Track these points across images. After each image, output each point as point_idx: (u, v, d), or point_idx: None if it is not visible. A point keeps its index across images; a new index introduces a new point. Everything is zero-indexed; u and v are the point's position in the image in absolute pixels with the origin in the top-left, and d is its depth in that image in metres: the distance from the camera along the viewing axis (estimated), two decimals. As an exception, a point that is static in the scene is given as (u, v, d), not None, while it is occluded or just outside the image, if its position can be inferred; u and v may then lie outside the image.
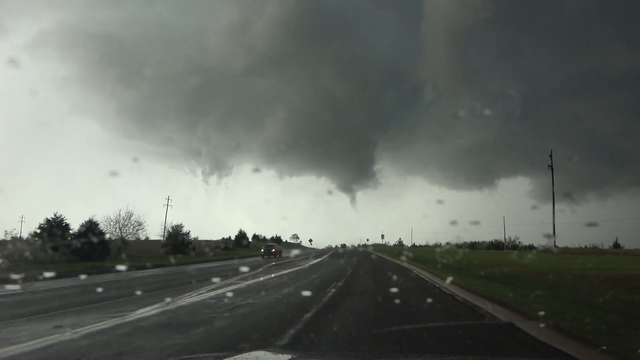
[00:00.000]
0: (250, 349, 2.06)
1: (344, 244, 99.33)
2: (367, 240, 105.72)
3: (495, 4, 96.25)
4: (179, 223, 44.98)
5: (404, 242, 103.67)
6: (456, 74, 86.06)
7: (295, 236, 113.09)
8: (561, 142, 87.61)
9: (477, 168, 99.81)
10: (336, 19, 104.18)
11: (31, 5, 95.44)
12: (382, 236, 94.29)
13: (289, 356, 1.94)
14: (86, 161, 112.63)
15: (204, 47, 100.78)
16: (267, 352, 2.08)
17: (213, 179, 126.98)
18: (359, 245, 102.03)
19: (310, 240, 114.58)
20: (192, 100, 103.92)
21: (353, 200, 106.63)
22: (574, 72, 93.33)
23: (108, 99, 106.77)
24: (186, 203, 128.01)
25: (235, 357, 1.88)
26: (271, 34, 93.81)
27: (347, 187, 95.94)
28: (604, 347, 5.00)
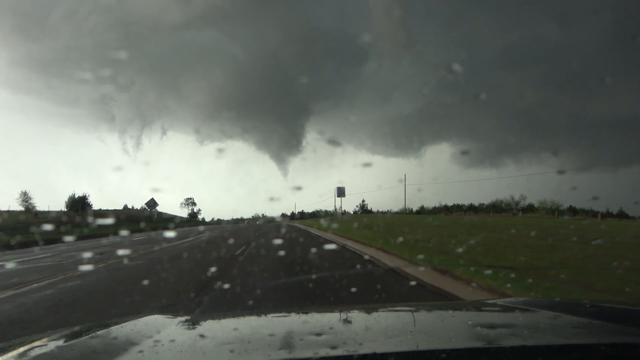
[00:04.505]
0: (139, 315, 1.94)
1: (249, 219, 79.38)
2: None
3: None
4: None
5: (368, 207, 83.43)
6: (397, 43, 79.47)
7: (191, 201, 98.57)
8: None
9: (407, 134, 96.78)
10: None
11: None
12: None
13: (183, 318, 1.84)
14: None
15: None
16: (158, 317, 1.98)
17: (127, 144, 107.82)
18: (293, 216, 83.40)
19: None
20: (111, 56, 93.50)
21: (284, 168, 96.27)
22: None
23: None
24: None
25: (123, 324, 1.74)
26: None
27: (279, 155, 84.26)
28: None
